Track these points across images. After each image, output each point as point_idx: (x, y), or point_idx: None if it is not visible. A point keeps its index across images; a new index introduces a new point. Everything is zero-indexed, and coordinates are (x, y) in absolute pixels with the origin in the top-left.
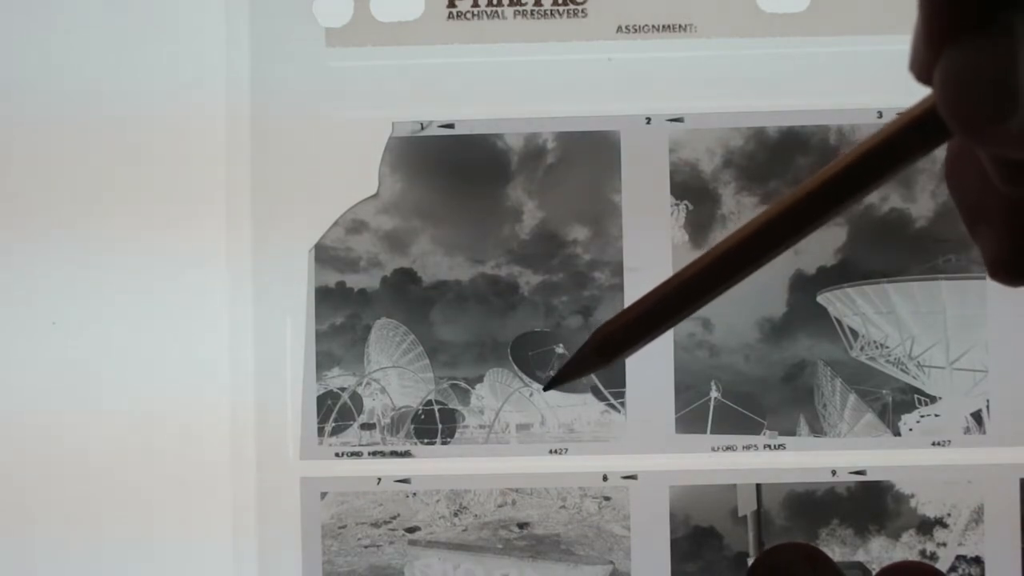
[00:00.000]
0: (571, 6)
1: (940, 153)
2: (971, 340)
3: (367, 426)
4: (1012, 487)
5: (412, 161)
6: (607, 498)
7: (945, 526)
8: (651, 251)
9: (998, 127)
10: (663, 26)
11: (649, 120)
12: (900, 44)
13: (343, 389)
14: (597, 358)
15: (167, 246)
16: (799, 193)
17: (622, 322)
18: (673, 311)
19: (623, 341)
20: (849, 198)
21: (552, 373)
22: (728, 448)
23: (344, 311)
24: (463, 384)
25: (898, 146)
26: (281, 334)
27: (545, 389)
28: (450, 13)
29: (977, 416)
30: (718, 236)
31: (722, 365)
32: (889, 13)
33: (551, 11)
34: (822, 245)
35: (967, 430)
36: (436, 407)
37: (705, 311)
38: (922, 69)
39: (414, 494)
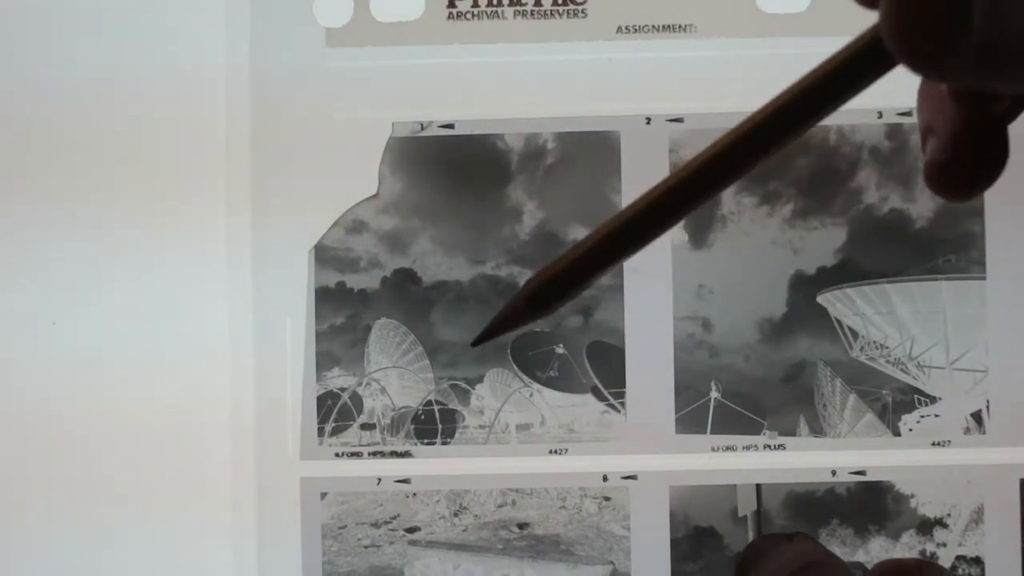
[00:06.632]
0: (571, 6)
1: None
2: (971, 340)
3: (367, 426)
4: (1012, 487)
5: (412, 161)
6: (607, 498)
7: (945, 526)
8: (651, 251)
9: (948, 58)
10: (663, 26)
11: (649, 120)
12: None
13: (343, 389)
14: (530, 309)
15: (167, 246)
16: (742, 129)
17: (555, 271)
18: (607, 257)
19: (557, 291)
20: (789, 134)
21: (553, 373)
22: (728, 448)
23: (344, 311)
24: (463, 384)
25: (839, 80)
26: (281, 334)
27: (473, 344)
28: (450, 13)
29: (977, 416)
30: (718, 236)
31: (722, 365)
32: None
33: (551, 11)
34: (822, 245)
35: (967, 430)
36: (436, 407)
37: (705, 311)
38: None
39: (414, 494)
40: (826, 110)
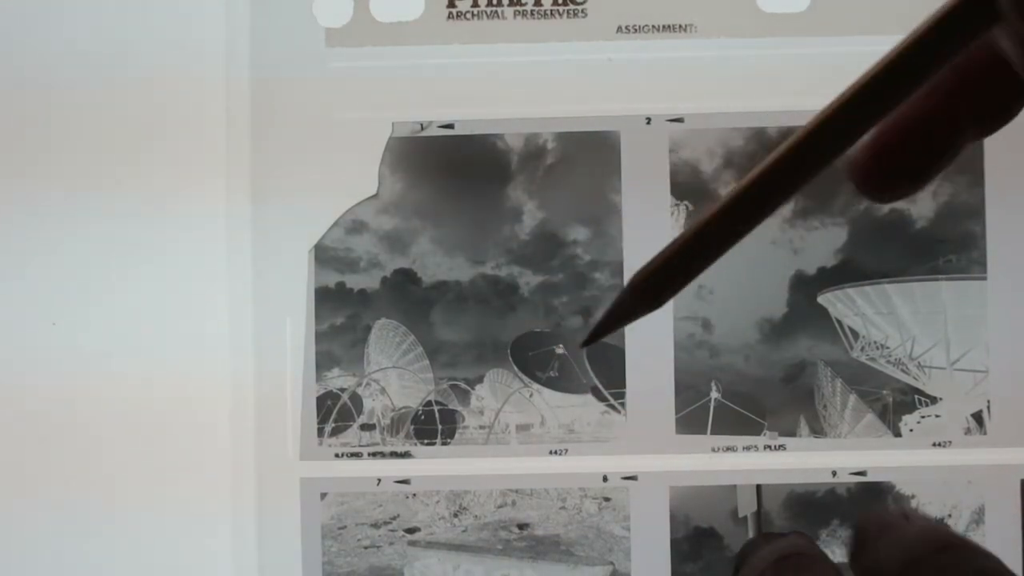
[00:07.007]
0: (571, 6)
1: None
2: (971, 341)
3: (367, 427)
4: (1013, 488)
5: (412, 161)
6: (607, 499)
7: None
8: (651, 251)
9: None
10: (663, 26)
11: (649, 120)
12: None
13: (343, 390)
14: (639, 303)
15: (167, 245)
16: (838, 102)
17: (661, 261)
18: (717, 243)
19: (665, 282)
20: (886, 108)
21: (553, 374)
22: (728, 449)
23: (344, 311)
24: (463, 385)
25: (924, 54)
26: (281, 334)
27: (583, 345)
28: (450, 13)
29: (978, 417)
30: None
31: (722, 365)
32: (889, 13)
33: (551, 11)
34: (822, 245)
35: (968, 431)
36: (436, 407)
37: (705, 311)
38: None
39: (414, 495)
40: (909, 93)
